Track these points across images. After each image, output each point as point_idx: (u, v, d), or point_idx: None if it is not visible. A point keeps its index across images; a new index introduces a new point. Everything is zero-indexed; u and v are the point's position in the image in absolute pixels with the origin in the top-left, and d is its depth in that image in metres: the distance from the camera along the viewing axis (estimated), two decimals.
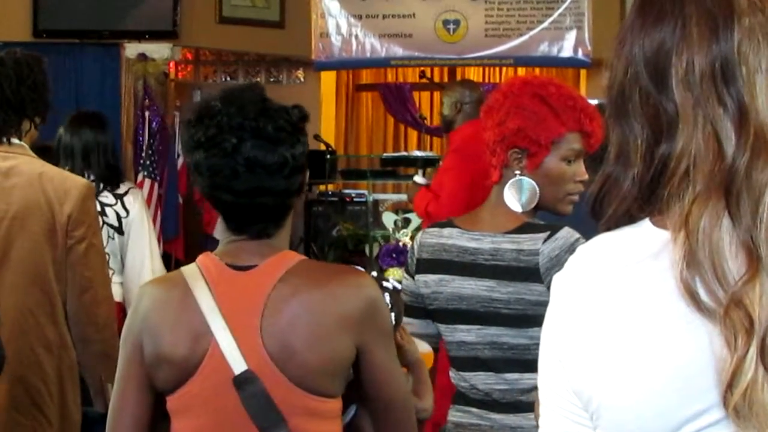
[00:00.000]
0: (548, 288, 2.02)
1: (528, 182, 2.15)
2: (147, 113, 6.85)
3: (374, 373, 1.81)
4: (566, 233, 2.10)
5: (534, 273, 2.09)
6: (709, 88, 0.95)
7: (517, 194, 2.16)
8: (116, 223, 3.58)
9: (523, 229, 2.15)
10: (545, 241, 2.10)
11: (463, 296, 2.16)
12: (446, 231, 2.23)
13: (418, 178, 5.07)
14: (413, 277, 2.25)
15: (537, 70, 8.53)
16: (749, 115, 0.94)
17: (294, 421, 1.72)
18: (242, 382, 1.71)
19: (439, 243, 2.22)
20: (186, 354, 1.74)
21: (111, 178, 3.63)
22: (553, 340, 1.03)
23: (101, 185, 3.58)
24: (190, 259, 1.88)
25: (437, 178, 4.75)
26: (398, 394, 1.85)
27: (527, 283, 2.09)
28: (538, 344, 1.06)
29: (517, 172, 2.15)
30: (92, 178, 3.53)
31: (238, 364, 1.71)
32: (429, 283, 2.21)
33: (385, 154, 7.76)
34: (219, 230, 1.87)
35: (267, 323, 1.73)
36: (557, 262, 2.05)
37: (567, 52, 7.69)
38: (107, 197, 3.58)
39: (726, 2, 0.97)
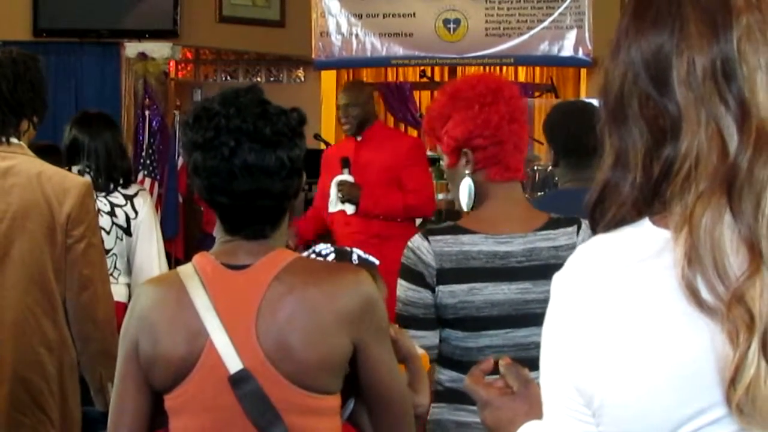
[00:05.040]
0: None
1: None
2: (147, 112, 6.86)
3: (372, 371, 1.81)
4: (587, 224, 2.13)
5: None
6: (710, 86, 0.96)
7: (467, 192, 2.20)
8: (125, 224, 3.58)
9: (552, 224, 2.16)
10: (577, 233, 2.14)
11: (495, 302, 2.13)
12: (465, 237, 2.17)
13: (349, 177, 4.75)
14: (433, 290, 2.18)
15: (538, 70, 8.54)
16: (751, 113, 0.94)
17: (291, 418, 1.73)
18: (238, 380, 1.72)
19: (462, 251, 2.16)
20: (182, 353, 1.75)
21: (117, 178, 3.63)
22: (555, 338, 1.04)
23: (111, 185, 3.58)
24: (189, 258, 1.88)
25: (413, 173, 4.70)
26: (396, 391, 1.85)
27: None
28: None
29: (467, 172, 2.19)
30: (100, 177, 3.53)
31: (234, 363, 1.72)
32: (457, 292, 2.15)
33: None
34: (216, 229, 1.88)
35: (262, 321, 1.73)
36: None
37: (567, 51, 7.69)
38: (117, 197, 3.58)
39: (723, 1, 0.98)
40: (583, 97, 7.84)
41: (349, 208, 4.73)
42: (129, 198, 3.60)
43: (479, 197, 2.21)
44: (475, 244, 2.16)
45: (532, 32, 7.69)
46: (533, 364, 2.11)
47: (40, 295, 2.60)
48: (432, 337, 2.20)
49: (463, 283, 2.15)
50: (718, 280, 0.92)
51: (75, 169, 3.51)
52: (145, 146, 6.78)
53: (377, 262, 2.10)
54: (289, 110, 1.82)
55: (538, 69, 8.54)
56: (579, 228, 2.16)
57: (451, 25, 7.84)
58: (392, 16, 7.88)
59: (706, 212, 0.93)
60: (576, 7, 7.62)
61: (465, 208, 2.20)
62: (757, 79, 0.96)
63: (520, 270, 2.13)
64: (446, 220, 4.43)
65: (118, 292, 3.32)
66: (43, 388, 2.61)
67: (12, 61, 2.61)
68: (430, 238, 2.19)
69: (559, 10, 7.65)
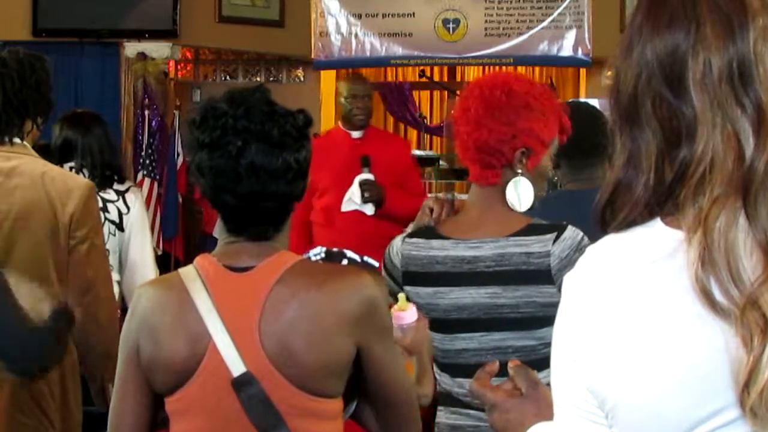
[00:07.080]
0: (560, 289, 2.01)
1: (526, 182, 2.14)
2: (147, 112, 6.85)
3: (376, 372, 1.81)
4: (572, 232, 2.09)
5: (545, 275, 2.07)
6: (727, 89, 0.95)
7: (518, 194, 2.15)
8: (117, 220, 3.60)
9: (529, 230, 2.13)
10: (554, 242, 2.09)
11: (463, 306, 2.14)
12: (435, 242, 2.17)
13: (370, 175, 4.48)
14: (401, 290, 2.18)
15: (537, 70, 8.53)
16: (767, 115, 0.94)
17: (294, 422, 1.72)
18: (241, 384, 1.71)
19: (429, 256, 2.17)
20: (184, 356, 1.74)
21: (112, 174, 3.65)
22: (566, 340, 1.03)
23: (106, 182, 3.60)
24: (189, 258, 1.88)
25: (415, 177, 4.66)
26: (401, 392, 1.85)
27: (537, 286, 2.07)
28: (545, 344, 1.06)
29: (519, 171, 2.14)
30: (96, 174, 3.55)
31: (237, 366, 1.71)
32: (422, 294, 2.17)
33: None
34: (218, 230, 1.88)
35: (265, 324, 1.73)
36: (568, 263, 2.03)
37: (567, 51, 7.68)
38: (109, 193, 3.60)
39: (739, 2, 0.97)
40: (583, 97, 7.84)
41: (369, 209, 4.50)
42: (121, 194, 3.63)
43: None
44: (444, 249, 2.16)
45: (531, 32, 7.68)
46: None
47: None
48: None
49: (428, 286, 2.17)
50: (732, 284, 0.92)
51: (67, 166, 3.52)
52: (144, 146, 6.77)
53: (376, 264, 2.10)
54: (295, 112, 1.81)
55: (537, 69, 8.54)
56: (558, 236, 2.10)
57: (451, 25, 7.83)
58: (391, 15, 7.87)
59: (721, 215, 0.93)
60: (575, 7, 7.61)
61: (515, 207, 2.16)
62: None
63: (489, 275, 2.12)
64: None
65: None
66: (43, 390, 2.61)
67: (18, 62, 2.61)
68: (406, 239, 2.23)
69: (559, 10, 7.64)
